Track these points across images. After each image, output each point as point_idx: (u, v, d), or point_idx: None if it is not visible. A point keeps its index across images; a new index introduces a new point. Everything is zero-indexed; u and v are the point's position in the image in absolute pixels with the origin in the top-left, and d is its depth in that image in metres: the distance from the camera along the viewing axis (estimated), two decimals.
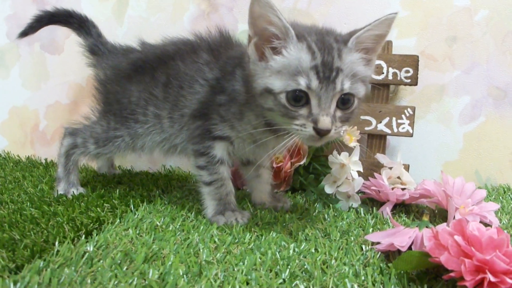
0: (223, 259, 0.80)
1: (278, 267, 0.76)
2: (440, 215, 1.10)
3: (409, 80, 1.35)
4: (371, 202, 1.20)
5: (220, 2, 1.59)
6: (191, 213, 1.06)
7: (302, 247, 0.86)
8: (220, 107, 1.00)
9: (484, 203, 1.06)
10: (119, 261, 0.78)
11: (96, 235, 0.91)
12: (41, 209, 1.06)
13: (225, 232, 0.94)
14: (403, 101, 1.47)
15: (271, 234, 0.93)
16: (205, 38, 1.12)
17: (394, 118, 1.35)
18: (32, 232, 0.90)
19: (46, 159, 1.72)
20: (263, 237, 0.91)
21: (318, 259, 0.80)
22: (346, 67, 0.84)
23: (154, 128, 1.13)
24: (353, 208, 1.12)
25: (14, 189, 1.26)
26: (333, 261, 0.80)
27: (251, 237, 0.90)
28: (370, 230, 0.97)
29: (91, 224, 0.97)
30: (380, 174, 1.18)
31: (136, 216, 1.03)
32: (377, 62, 1.36)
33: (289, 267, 0.76)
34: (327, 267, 0.78)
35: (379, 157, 1.23)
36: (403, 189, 1.16)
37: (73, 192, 1.21)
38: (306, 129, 0.83)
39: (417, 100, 1.46)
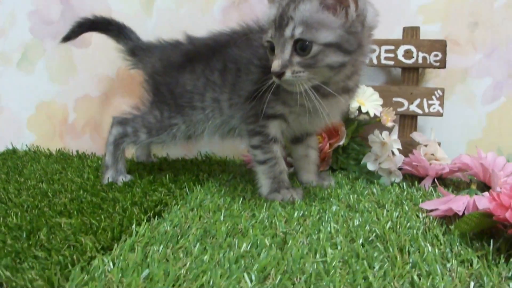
0: (298, 230, 0.85)
1: (351, 234, 0.83)
2: (476, 187, 1.17)
3: (438, 64, 1.42)
4: (410, 177, 1.27)
5: None
6: (247, 193, 1.12)
7: (365, 216, 0.93)
8: (272, 85, 1.02)
9: None
10: (201, 237, 0.82)
11: (168, 215, 0.96)
12: (99, 196, 1.08)
13: (286, 208, 0.99)
14: (429, 83, 1.54)
15: (331, 208, 0.99)
16: (255, 23, 1.16)
17: (425, 99, 1.42)
18: (102, 217, 0.91)
19: (77, 151, 1.73)
20: (326, 211, 0.97)
21: (384, 225, 0.87)
22: (298, 15, 0.90)
23: (213, 113, 1.18)
24: (396, 183, 1.19)
25: (62, 179, 1.27)
26: (398, 226, 0.87)
27: (315, 211, 0.96)
28: (420, 200, 1.04)
29: (158, 206, 1.01)
30: (415, 152, 1.25)
31: (197, 197, 1.07)
32: (407, 47, 1.44)
33: (362, 233, 0.83)
34: (393, 232, 0.84)
35: (415, 135, 1.31)
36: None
37: (121, 179, 1.24)
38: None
39: (442, 82, 1.53)
